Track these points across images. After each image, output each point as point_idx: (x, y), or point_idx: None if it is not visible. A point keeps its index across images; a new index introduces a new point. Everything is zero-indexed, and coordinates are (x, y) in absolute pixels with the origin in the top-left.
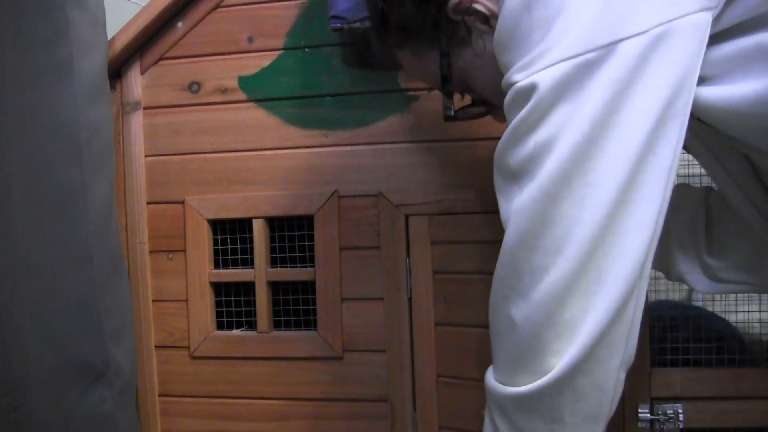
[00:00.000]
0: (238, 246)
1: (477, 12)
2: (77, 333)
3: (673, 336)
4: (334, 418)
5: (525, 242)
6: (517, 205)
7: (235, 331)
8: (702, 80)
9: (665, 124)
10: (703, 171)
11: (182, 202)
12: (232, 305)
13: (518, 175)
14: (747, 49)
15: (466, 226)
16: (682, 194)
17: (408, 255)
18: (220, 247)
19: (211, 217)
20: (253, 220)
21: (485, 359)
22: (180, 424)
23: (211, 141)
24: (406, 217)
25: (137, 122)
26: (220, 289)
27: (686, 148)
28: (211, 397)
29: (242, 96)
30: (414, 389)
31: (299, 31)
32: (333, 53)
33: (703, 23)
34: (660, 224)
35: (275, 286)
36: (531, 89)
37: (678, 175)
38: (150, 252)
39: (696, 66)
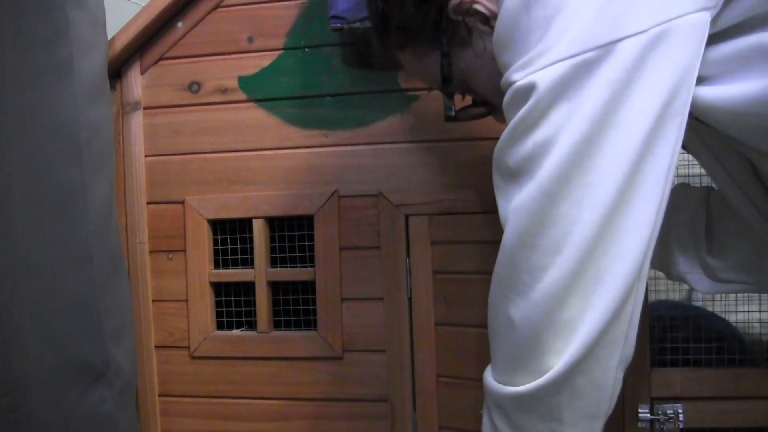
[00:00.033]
0: (238, 246)
1: (477, 12)
2: (77, 333)
3: (673, 336)
4: (334, 418)
5: (524, 242)
6: (516, 204)
7: (235, 331)
8: (701, 80)
9: (664, 123)
10: (703, 171)
11: (182, 202)
12: (232, 305)
13: (517, 175)
14: (746, 49)
15: (466, 226)
16: (682, 194)
17: (408, 255)
18: (220, 247)
19: (211, 217)
20: (253, 220)
21: (485, 359)
22: (180, 424)
23: (211, 141)
24: (406, 217)
25: (137, 122)
26: (220, 289)
27: (686, 148)
28: (211, 397)
29: (242, 96)
30: (414, 389)
31: (299, 31)
32: (333, 53)
33: (701, 23)
34: (659, 224)
35: (275, 286)
36: (530, 89)
37: (678, 175)
38: (150, 252)
39: (695, 66)
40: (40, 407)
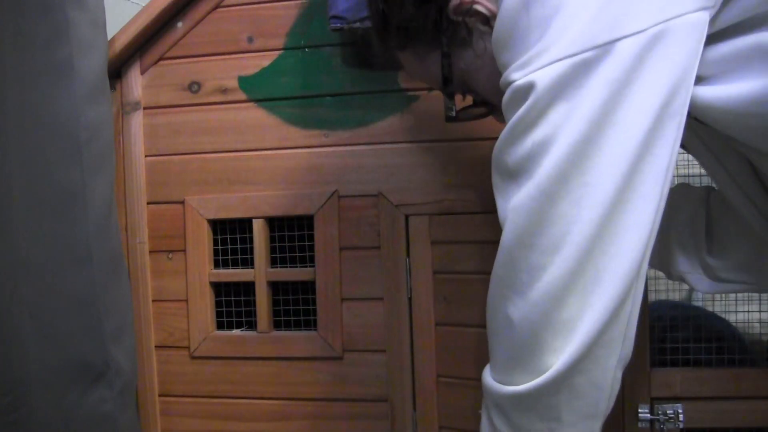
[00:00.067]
0: (238, 246)
1: (478, 13)
2: (77, 333)
3: (673, 336)
4: (334, 418)
5: (523, 241)
6: (514, 203)
7: (235, 331)
8: (699, 80)
9: (663, 123)
10: (703, 171)
11: (182, 202)
12: (232, 305)
13: (516, 174)
14: (744, 49)
15: (466, 226)
16: (682, 194)
17: (408, 255)
18: (220, 247)
19: (211, 217)
20: (253, 220)
21: (485, 359)
22: (180, 424)
23: (211, 141)
24: (406, 217)
25: (137, 122)
26: (220, 289)
27: (686, 147)
28: (211, 397)
29: (242, 96)
30: (414, 389)
31: (299, 31)
32: (333, 53)
33: (700, 23)
34: (657, 223)
35: (275, 286)
36: (529, 88)
37: (678, 175)
38: (150, 252)
39: (693, 65)
40: (40, 407)
